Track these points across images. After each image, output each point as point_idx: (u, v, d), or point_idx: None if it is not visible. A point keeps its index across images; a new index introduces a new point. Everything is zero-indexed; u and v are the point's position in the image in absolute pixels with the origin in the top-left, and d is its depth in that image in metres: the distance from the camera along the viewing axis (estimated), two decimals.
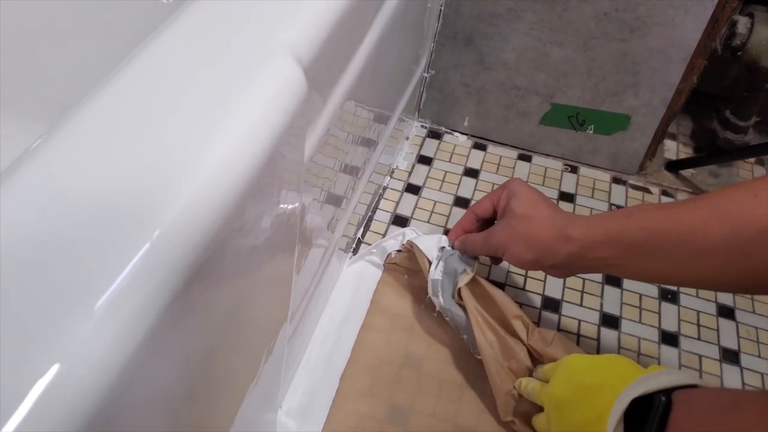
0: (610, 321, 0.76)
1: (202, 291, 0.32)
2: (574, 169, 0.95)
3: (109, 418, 0.26)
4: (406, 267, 0.75)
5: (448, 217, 0.85)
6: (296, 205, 0.46)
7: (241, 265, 0.37)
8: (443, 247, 0.70)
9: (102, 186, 0.30)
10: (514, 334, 0.66)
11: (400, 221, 0.84)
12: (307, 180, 0.50)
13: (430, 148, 0.94)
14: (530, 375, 0.64)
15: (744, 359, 0.74)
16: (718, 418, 0.42)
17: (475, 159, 0.94)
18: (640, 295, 0.78)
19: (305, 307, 0.62)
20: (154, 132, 0.33)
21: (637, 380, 0.49)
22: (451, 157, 0.93)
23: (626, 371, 0.52)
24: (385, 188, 0.87)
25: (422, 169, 0.91)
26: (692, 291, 0.80)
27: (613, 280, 0.80)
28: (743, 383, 0.72)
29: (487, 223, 0.70)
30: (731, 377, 0.72)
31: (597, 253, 0.56)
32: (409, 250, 0.72)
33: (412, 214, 0.85)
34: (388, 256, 0.76)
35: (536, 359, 0.65)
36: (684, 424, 0.44)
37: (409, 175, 0.90)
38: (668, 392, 0.47)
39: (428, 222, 0.84)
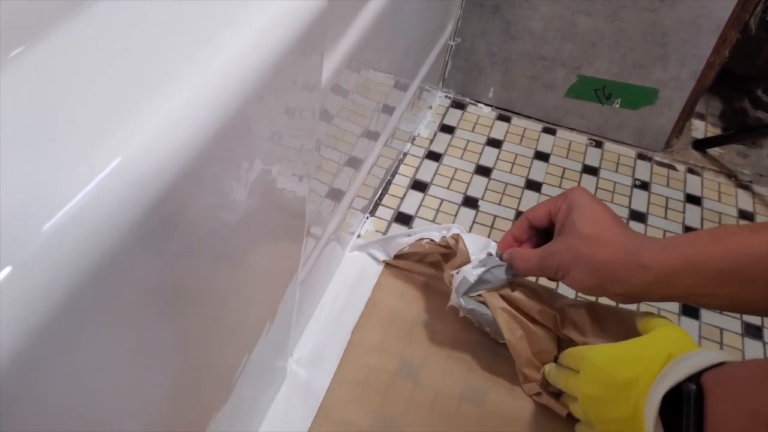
0: None
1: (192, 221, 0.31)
2: (598, 144, 0.93)
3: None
4: (418, 264, 0.71)
5: (468, 184, 0.84)
6: (311, 135, 0.46)
7: (249, 192, 0.37)
8: (490, 254, 0.63)
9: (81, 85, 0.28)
10: (543, 326, 0.62)
11: (419, 186, 0.83)
12: (324, 113, 0.50)
13: (453, 117, 0.94)
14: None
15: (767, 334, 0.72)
16: (755, 393, 0.40)
17: (499, 130, 0.93)
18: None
19: (318, 254, 0.61)
20: (137, 37, 0.30)
21: (662, 372, 0.46)
22: (474, 127, 0.93)
23: (651, 359, 0.49)
24: (405, 154, 0.87)
25: (444, 137, 0.90)
26: None
27: (691, 311, 0.75)
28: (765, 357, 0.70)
29: (541, 233, 0.63)
30: (753, 352, 0.70)
31: (678, 283, 0.51)
32: (446, 246, 0.66)
33: (432, 179, 0.84)
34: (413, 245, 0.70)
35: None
36: (723, 407, 0.42)
37: (431, 143, 0.89)
38: (697, 376, 0.44)
39: (448, 188, 0.83)
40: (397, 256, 0.71)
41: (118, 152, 0.25)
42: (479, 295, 0.61)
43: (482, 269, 0.61)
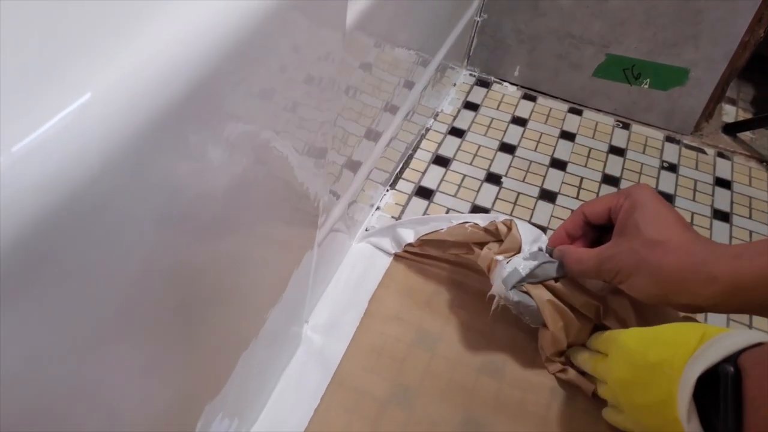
0: None
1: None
2: (625, 126, 0.91)
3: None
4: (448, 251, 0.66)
5: (491, 160, 0.82)
6: (333, 83, 0.45)
7: (259, 146, 0.36)
8: (541, 249, 0.60)
9: None
10: (585, 317, 0.59)
11: (442, 161, 0.82)
12: (343, 82, 0.48)
13: (477, 95, 0.92)
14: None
15: None
16: None
17: (524, 109, 0.91)
18: None
19: (335, 222, 0.60)
20: None
21: (696, 353, 0.44)
22: (498, 105, 0.91)
23: (684, 340, 0.46)
24: (428, 129, 0.86)
25: (468, 114, 0.89)
26: None
27: None
28: None
29: (596, 229, 0.59)
30: None
31: (753, 296, 0.46)
32: (493, 232, 0.62)
33: (455, 155, 0.82)
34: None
35: None
36: (762, 387, 0.39)
37: (454, 119, 0.88)
38: (734, 357, 0.41)
39: (470, 164, 0.82)
40: (424, 240, 0.65)
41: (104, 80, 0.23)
42: (523, 287, 0.58)
43: (534, 263, 0.57)
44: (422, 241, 0.66)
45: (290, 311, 0.56)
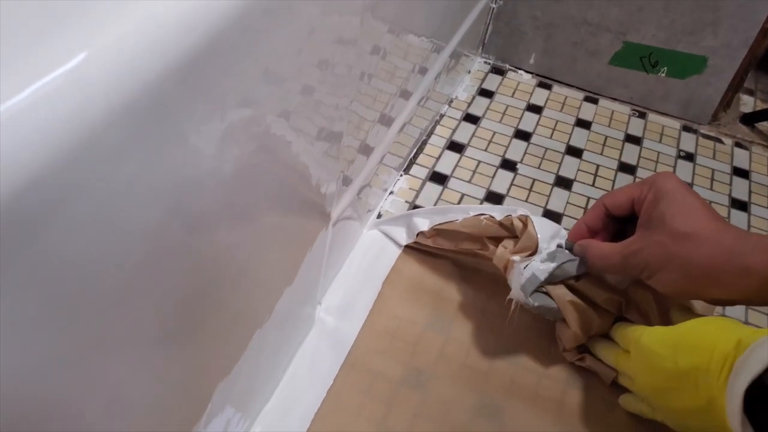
0: None
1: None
2: (642, 115, 0.90)
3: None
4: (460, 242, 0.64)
5: (506, 147, 0.82)
6: (350, 69, 0.44)
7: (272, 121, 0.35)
8: (560, 246, 0.57)
9: None
10: (607, 312, 0.57)
11: (456, 147, 0.81)
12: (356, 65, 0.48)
13: (492, 82, 0.91)
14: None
15: None
16: None
17: (539, 97, 0.90)
18: None
19: (349, 204, 0.60)
20: None
21: (738, 364, 0.41)
22: (513, 93, 0.90)
23: (716, 344, 0.44)
24: (442, 115, 0.85)
25: (482, 101, 0.88)
26: None
27: None
28: None
29: (617, 221, 0.56)
30: None
31: None
32: (508, 227, 0.59)
33: (469, 141, 0.82)
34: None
35: None
36: None
37: (468, 106, 0.87)
38: None
39: (485, 150, 0.81)
40: (438, 229, 0.64)
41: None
42: (543, 287, 0.56)
43: (553, 265, 0.55)
44: (436, 231, 0.64)
45: (304, 292, 0.55)
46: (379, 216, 0.71)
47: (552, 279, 0.55)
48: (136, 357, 0.31)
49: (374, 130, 0.60)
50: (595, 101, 0.91)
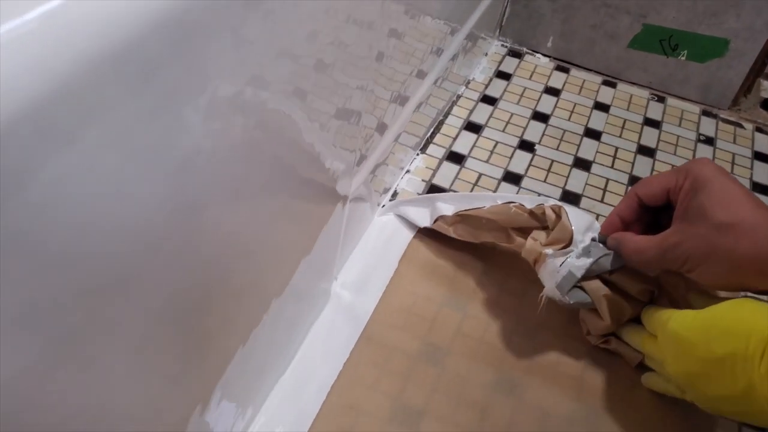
0: None
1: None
2: (660, 99, 0.89)
3: None
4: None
5: (524, 128, 0.81)
6: (370, 48, 0.44)
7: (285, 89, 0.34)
8: (594, 239, 0.54)
9: None
10: (640, 302, 0.55)
11: (473, 127, 0.80)
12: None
13: (509, 65, 0.90)
14: None
15: None
16: None
17: (557, 80, 0.89)
18: None
19: (365, 180, 0.59)
20: None
21: None
22: (531, 76, 0.89)
23: (751, 328, 0.42)
24: (459, 96, 0.84)
25: (500, 83, 0.87)
26: None
27: None
28: None
29: (652, 211, 0.54)
30: None
31: None
32: (540, 216, 0.56)
33: (487, 122, 0.81)
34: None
35: None
36: None
37: (486, 87, 0.86)
38: None
39: (503, 131, 0.80)
40: (462, 214, 0.61)
41: None
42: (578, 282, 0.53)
43: (589, 261, 0.52)
44: (459, 217, 0.61)
45: (320, 266, 0.55)
46: (395, 194, 0.70)
47: (588, 274, 0.53)
48: (155, 320, 0.30)
49: (390, 109, 0.59)
50: (613, 85, 0.90)
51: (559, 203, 0.57)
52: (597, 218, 0.69)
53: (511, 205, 0.58)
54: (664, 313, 0.50)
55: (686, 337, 0.46)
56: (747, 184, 0.78)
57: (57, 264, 0.22)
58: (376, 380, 0.54)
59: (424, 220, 0.65)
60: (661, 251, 0.49)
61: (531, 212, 0.57)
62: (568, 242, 0.54)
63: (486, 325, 0.59)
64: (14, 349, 0.21)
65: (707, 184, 0.47)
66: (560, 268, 0.53)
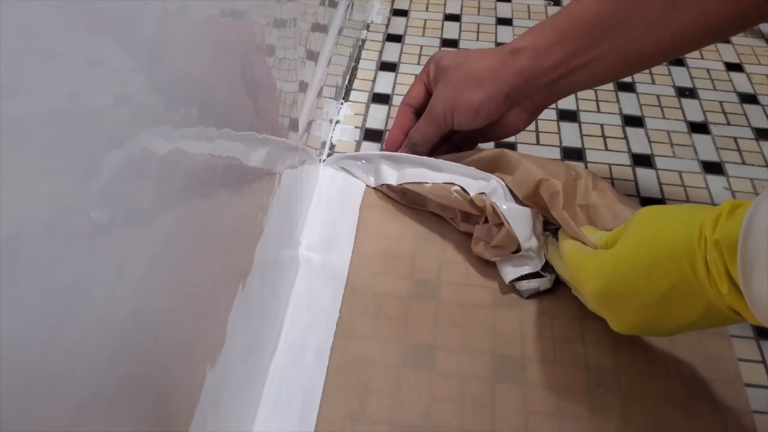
0: (642, 160, 0.66)
1: None
2: (556, 2, 0.89)
3: None
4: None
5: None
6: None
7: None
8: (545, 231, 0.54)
9: None
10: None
11: (388, 66, 0.77)
12: None
13: (403, 2, 0.88)
14: None
15: None
16: None
17: (454, 4, 0.87)
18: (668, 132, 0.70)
19: (301, 138, 0.54)
20: None
21: (743, 259, 0.33)
22: (427, 7, 0.87)
23: (674, 247, 0.37)
24: (364, 41, 0.80)
25: (400, 20, 0.84)
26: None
27: (636, 122, 0.70)
28: None
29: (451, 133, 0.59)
30: None
31: (553, 57, 0.50)
32: (479, 210, 0.54)
33: (399, 59, 0.78)
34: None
35: None
36: None
37: (387, 27, 0.83)
38: None
39: (418, 64, 0.77)
40: (406, 188, 0.57)
41: None
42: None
43: (527, 269, 0.52)
44: (403, 189, 0.58)
45: (280, 234, 0.50)
46: (332, 147, 0.66)
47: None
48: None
49: (306, 67, 0.55)
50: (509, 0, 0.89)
51: (497, 184, 0.53)
52: None
53: (452, 189, 0.55)
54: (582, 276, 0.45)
55: (618, 291, 0.41)
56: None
57: None
58: (375, 329, 0.50)
59: (369, 181, 0.62)
60: (427, 117, 0.56)
61: (471, 201, 0.54)
62: (516, 249, 0.51)
63: (468, 247, 0.56)
64: None
65: (445, 55, 0.56)
66: (515, 284, 0.53)
